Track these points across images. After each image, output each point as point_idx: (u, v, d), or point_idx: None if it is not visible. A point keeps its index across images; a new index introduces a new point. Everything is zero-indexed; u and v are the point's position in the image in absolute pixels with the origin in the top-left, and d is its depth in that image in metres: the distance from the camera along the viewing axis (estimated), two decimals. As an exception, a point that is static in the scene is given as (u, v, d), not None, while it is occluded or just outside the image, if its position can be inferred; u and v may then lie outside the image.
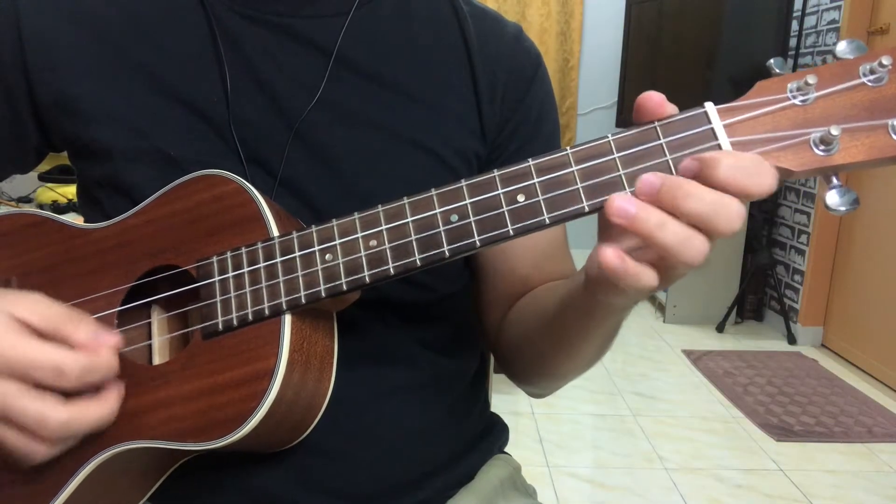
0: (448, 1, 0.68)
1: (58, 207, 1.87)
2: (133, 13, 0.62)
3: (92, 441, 0.51)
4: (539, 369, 0.67)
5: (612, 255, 0.41)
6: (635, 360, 2.91)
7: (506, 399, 2.36)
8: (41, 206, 1.90)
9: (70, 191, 1.90)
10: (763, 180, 0.40)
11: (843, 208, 0.41)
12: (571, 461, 2.10)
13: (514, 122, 0.67)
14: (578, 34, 4.10)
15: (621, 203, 0.41)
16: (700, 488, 1.97)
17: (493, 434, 0.74)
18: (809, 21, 3.18)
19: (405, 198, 0.48)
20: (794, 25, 3.11)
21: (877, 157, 0.40)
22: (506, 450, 0.76)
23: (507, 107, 0.66)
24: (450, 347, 0.67)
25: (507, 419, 0.78)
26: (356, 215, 0.49)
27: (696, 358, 2.91)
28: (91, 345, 0.49)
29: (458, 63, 0.66)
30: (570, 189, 0.44)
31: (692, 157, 0.42)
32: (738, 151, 0.42)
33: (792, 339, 3.13)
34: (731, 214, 0.40)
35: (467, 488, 0.67)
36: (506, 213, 0.45)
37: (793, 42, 3.07)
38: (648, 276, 0.42)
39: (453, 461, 0.66)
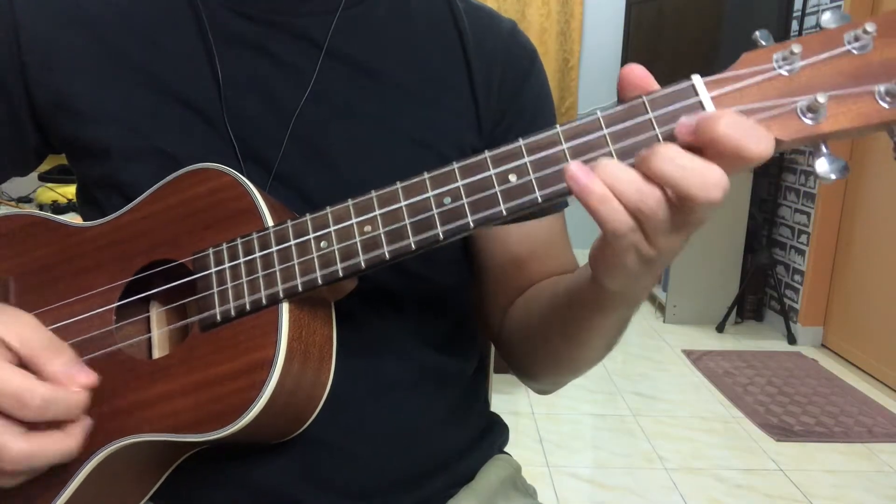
0: None
1: (58, 207, 1.87)
2: (129, 13, 0.62)
3: (95, 436, 0.51)
4: (544, 364, 0.67)
5: (575, 166, 0.42)
6: (635, 360, 2.91)
7: (506, 399, 2.36)
8: (41, 207, 1.90)
9: (70, 191, 1.90)
10: (761, 142, 0.39)
11: (833, 176, 0.41)
12: (571, 461, 2.10)
13: (509, 117, 0.67)
14: (578, 34, 4.10)
15: (575, 170, 0.42)
16: (700, 488, 1.97)
17: (493, 434, 0.73)
18: (809, 21, 3.19)
19: (398, 182, 0.48)
20: (794, 25, 3.11)
21: (864, 123, 0.40)
22: (506, 450, 0.76)
23: (503, 101, 0.67)
24: (449, 345, 0.67)
25: (507, 419, 0.77)
26: (350, 201, 0.49)
27: (696, 358, 2.91)
28: (62, 378, 0.48)
29: (454, 58, 0.66)
30: (560, 166, 0.44)
31: (689, 116, 0.41)
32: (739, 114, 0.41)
33: (792, 339, 3.13)
34: (707, 181, 0.39)
35: (467, 488, 0.67)
36: (498, 193, 0.46)
37: (792, 42, 3.07)
38: (621, 217, 0.41)
39: (453, 460, 0.66)
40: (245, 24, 0.62)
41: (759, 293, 3.42)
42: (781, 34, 2.91)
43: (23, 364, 0.48)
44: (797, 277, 3.21)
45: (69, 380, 0.48)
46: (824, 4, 3.08)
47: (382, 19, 0.65)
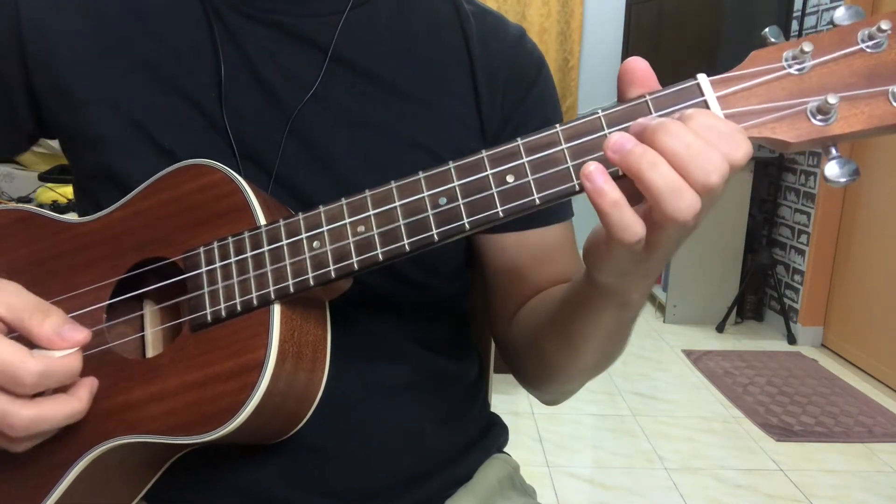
0: (450, 0, 0.67)
1: (58, 207, 1.86)
2: (134, 4, 0.61)
3: (85, 436, 0.50)
4: (542, 372, 0.66)
5: (593, 167, 0.40)
6: (635, 360, 2.90)
7: (506, 399, 2.35)
8: (41, 206, 1.90)
9: (70, 191, 1.89)
10: (738, 148, 0.39)
11: (843, 179, 0.39)
12: (571, 461, 2.10)
13: (514, 124, 0.66)
14: (578, 34, 4.10)
15: (619, 138, 0.40)
16: (700, 488, 1.97)
17: (492, 433, 0.73)
18: (809, 21, 3.18)
19: (392, 182, 0.47)
20: (794, 25, 3.11)
21: (876, 125, 0.39)
22: (505, 450, 0.76)
23: (508, 108, 0.65)
24: (448, 348, 0.67)
25: (507, 419, 0.77)
26: (343, 200, 0.49)
27: (696, 358, 2.90)
28: (55, 340, 0.48)
29: (458, 61, 0.65)
30: (560, 168, 0.43)
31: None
32: (714, 114, 0.40)
33: (792, 339, 3.13)
34: (709, 163, 0.38)
35: (466, 488, 0.67)
36: (495, 194, 0.44)
37: (793, 42, 3.07)
38: (629, 217, 0.40)
39: (451, 460, 0.66)
40: (249, 23, 0.61)
41: (759, 293, 3.42)
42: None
43: (12, 331, 0.47)
44: (797, 277, 3.20)
45: (62, 340, 0.48)
46: (824, 5, 3.08)
47: (386, 21, 0.64)
